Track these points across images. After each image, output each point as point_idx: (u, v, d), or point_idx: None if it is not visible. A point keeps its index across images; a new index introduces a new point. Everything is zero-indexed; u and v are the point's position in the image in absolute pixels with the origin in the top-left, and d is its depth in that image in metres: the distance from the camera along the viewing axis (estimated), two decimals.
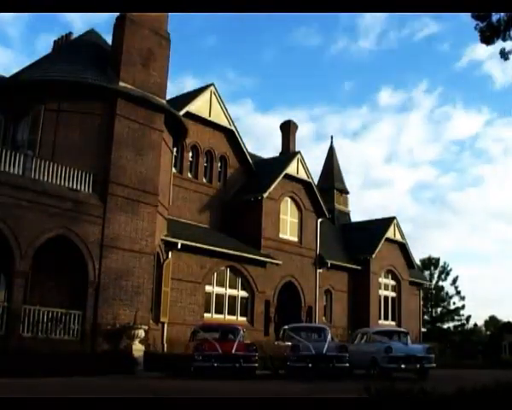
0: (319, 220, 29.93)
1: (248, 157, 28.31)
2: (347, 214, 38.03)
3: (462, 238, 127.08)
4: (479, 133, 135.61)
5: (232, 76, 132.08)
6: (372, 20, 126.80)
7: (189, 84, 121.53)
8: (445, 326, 50.63)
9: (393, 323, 33.13)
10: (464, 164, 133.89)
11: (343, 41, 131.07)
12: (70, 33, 24.08)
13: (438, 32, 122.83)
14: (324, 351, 16.07)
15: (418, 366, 16.88)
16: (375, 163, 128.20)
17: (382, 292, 32.98)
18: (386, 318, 33.05)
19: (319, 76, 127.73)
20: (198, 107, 25.71)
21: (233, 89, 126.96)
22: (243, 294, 24.80)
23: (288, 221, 28.29)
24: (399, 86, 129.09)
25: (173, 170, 23.36)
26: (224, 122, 27.08)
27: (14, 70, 21.13)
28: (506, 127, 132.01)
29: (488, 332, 68.21)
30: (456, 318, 50.85)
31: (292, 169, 28.24)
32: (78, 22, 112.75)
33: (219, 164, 27.44)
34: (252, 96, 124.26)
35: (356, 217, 38.29)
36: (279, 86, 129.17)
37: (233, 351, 15.32)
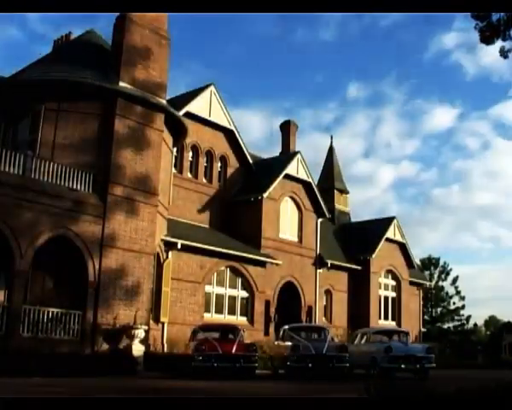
0: (319, 220, 29.91)
1: (248, 157, 28.30)
2: (347, 214, 38.01)
3: (451, 236, 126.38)
4: (454, 128, 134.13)
5: (197, 69, 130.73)
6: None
7: None
8: (445, 326, 50.58)
9: (393, 323, 33.12)
10: (445, 159, 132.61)
11: (303, 32, 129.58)
12: (70, 33, 24.07)
13: (400, 20, 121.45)
14: (324, 351, 16.07)
15: (418, 366, 16.89)
16: (354, 158, 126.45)
17: (382, 292, 32.97)
18: (386, 318, 33.05)
19: (284, 69, 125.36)
20: (198, 107, 25.70)
21: (198, 83, 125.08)
22: (243, 294, 24.79)
23: (288, 221, 28.27)
24: (367, 79, 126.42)
25: (173, 170, 23.34)
26: (223, 122, 27.07)
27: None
28: (481, 121, 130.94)
29: (488, 332, 68.24)
30: (456, 318, 50.79)
31: (292, 169, 28.22)
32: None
33: (219, 164, 27.43)
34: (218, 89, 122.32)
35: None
36: (245, 79, 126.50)
37: (233, 351, 15.33)
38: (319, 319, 28.99)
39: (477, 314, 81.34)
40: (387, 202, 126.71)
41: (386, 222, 33.46)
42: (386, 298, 33.32)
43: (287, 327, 18.56)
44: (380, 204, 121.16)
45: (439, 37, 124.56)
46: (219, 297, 23.92)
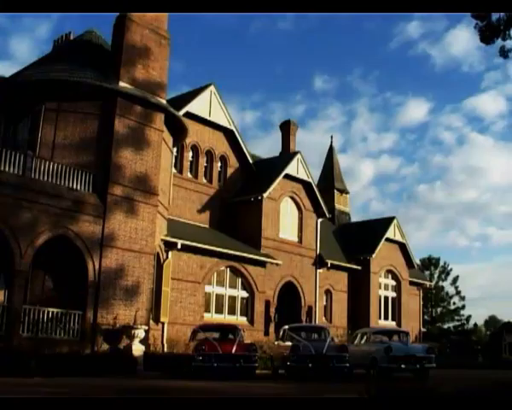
0: (319, 220, 29.91)
1: (248, 157, 28.30)
2: (347, 214, 38.03)
3: (438, 234, 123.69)
4: (429, 121, 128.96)
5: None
6: None
7: None
8: (445, 326, 50.61)
9: (393, 323, 33.12)
10: (424, 154, 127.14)
11: (260, 22, 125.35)
12: (70, 33, 24.05)
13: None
14: (324, 351, 16.06)
15: (418, 366, 16.88)
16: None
17: (382, 292, 32.96)
18: (386, 318, 33.04)
19: (245, 61, 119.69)
20: (198, 106, 25.69)
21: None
22: (243, 294, 24.79)
23: (288, 221, 28.27)
24: (332, 71, 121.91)
25: (173, 170, 23.35)
26: (223, 122, 27.06)
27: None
28: (455, 115, 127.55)
29: (488, 332, 68.26)
30: (456, 318, 50.84)
31: (292, 169, 28.22)
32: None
33: (219, 164, 27.42)
34: (180, 82, 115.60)
35: None
36: (206, 72, 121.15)
37: (233, 351, 15.32)
38: (319, 319, 28.99)
39: (474, 314, 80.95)
40: (369, 199, 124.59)
41: (386, 222, 33.48)
42: (386, 298, 33.31)
43: (287, 327, 18.55)
44: (362, 201, 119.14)
45: (401, 26, 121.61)
46: (219, 297, 23.92)
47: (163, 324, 20.85)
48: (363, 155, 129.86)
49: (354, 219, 38.61)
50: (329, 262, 29.73)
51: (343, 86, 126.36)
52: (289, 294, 27.64)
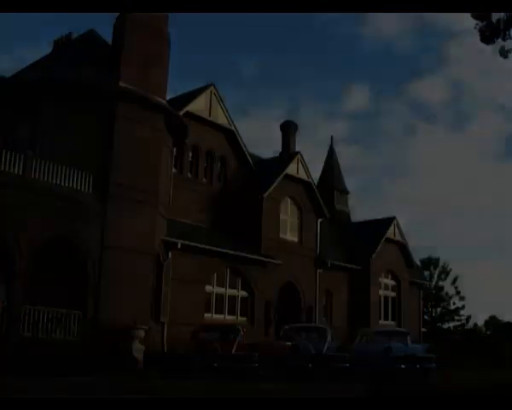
0: (319, 220, 29.91)
1: (248, 157, 28.28)
2: (347, 214, 37.99)
3: (414, 233, 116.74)
4: (372, 109, 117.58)
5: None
6: None
7: None
8: (445, 326, 50.57)
9: (393, 323, 33.10)
10: (379, 144, 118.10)
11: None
12: (70, 33, 24.05)
13: None
14: (324, 351, 16.09)
15: (418, 366, 16.92)
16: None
17: (382, 292, 32.94)
18: (386, 318, 33.02)
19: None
20: (198, 107, 25.67)
21: None
22: (243, 294, 24.78)
23: (288, 221, 28.26)
24: (259, 54, 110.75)
25: (173, 170, 23.34)
26: (223, 122, 27.05)
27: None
28: (396, 100, 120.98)
29: (488, 332, 68.30)
30: (456, 318, 50.81)
31: (292, 169, 28.23)
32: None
33: (219, 164, 27.40)
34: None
35: None
36: None
37: (233, 351, 15.34)
38: (319, 320, 28.97)
39: (477, 314, 79.99)
40: None
41: (386, 222, 33.45)
42: (386, 298, 33.29)
43: (287, 327, 18.59)
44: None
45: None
46: (219, 297, 23.91)
47: (163, 324, 20.85)
48: (317, 144, 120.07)
49: (354, 219, 38.59)
50: (329, 262, 29.70)
51: (277, 72, 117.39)
52: (289, 294, 27.63)
